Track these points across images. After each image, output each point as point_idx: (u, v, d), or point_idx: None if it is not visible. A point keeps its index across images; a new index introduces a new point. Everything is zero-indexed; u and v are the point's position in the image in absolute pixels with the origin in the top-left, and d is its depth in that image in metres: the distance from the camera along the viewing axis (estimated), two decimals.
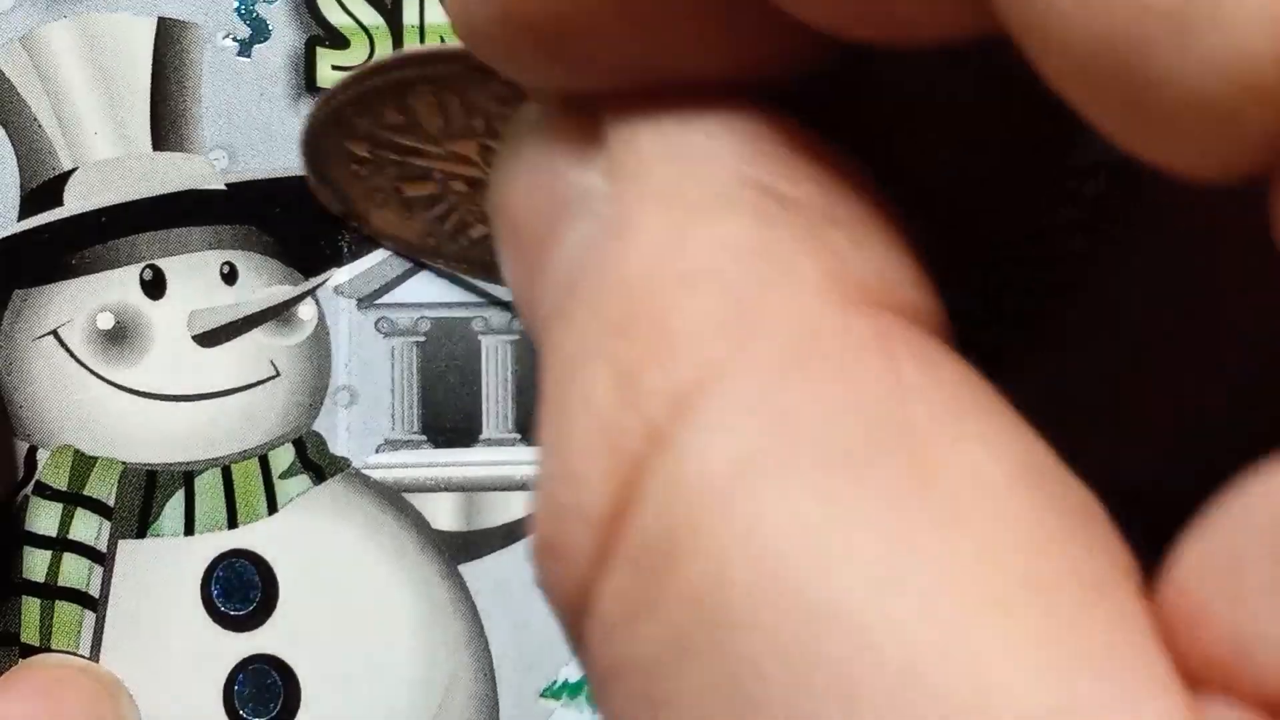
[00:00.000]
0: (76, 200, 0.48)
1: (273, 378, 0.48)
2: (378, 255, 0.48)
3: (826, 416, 0.15)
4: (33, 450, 0.48)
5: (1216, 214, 0.17)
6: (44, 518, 0.47)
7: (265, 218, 0.48)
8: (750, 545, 0.14)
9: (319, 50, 0.48)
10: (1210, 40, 0.13)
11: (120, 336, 0.48)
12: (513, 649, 0.48)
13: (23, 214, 0.48)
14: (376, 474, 0.48)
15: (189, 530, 0.48)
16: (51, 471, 0.47)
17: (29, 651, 0.47)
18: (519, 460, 0.48)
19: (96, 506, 0.47)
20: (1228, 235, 0.17)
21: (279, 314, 0.48)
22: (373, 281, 0.48)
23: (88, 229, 0.48)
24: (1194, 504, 0.15)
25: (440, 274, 0.47)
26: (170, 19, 0.48)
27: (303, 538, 0.48)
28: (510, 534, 0.48)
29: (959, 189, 0.19)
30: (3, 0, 0.48)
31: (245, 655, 0.47)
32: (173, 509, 0.48)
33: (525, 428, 0.48)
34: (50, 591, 0.47)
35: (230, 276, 0.48)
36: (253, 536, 0.48)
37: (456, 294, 0.48)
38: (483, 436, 0.48)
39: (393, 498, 0.48)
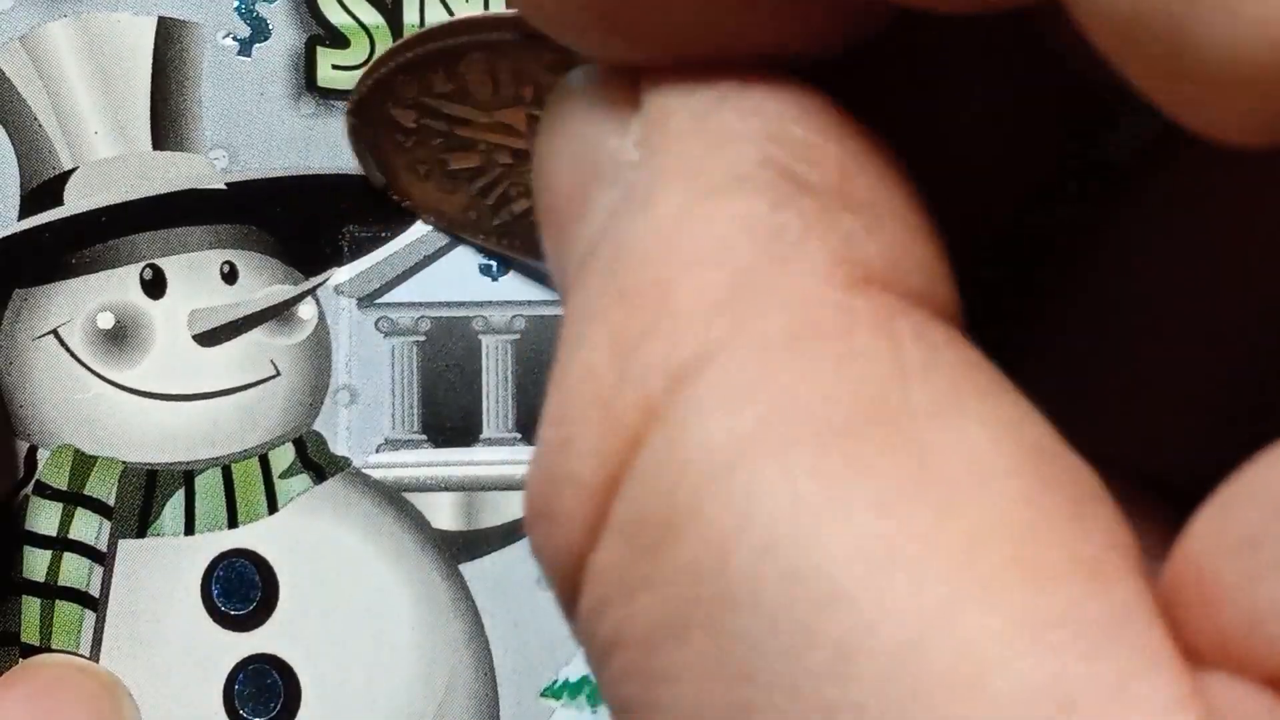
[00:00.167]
0: (77, 199, 0.48)
1: (273, 377, 0.48)
2: (378, 255, 0.48)
3: (825, 396, 0.15)
4: (33, 450, 0.47)
5: (1230, 199, 0.17)
6: (44, 517, 0.47)
7: (265, 217, 0.48)
8: (748, 523, 0.14)
9: (319, 50, 0.48)
10: (1257, 3, 0.13)
11: (120, 336, 0.48)
12: (513, 649, 0.48)
13: (23, 213, 0.48)
14: (377, 473, 0.48)
15: (189, 530, 0.48)
16: (51, 471, 0.47)
17: (29, 651, 0.47)
18: (519, 460, 0.48)
19: (96, 506, 0.47)
20: (1241, 216, 0.17)
21: (279, 314, 0.48)
22: (373, 281, 0.48)
23: (88, 228, 0.48)
24: (1204, 488, 0.15)
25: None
26: (170, 18, 0.48)
27: (303, 537, 0.48)
28: (511, 534, 0.48)
29: (971, 170, 0.19)
30: (3, 0, 0.48)
31: (245, 655, 0.47)
32: (173, 509, 0.48)
33: (525, 428, 0.48)
34: (50, 591, 0.47)
35: (230, 276, 0.48)
36: (253, 536, 0.48)
37: (456, 294, 0.48)
38: (483, 436, 0.48)
39: (393, 497, 0.48)
